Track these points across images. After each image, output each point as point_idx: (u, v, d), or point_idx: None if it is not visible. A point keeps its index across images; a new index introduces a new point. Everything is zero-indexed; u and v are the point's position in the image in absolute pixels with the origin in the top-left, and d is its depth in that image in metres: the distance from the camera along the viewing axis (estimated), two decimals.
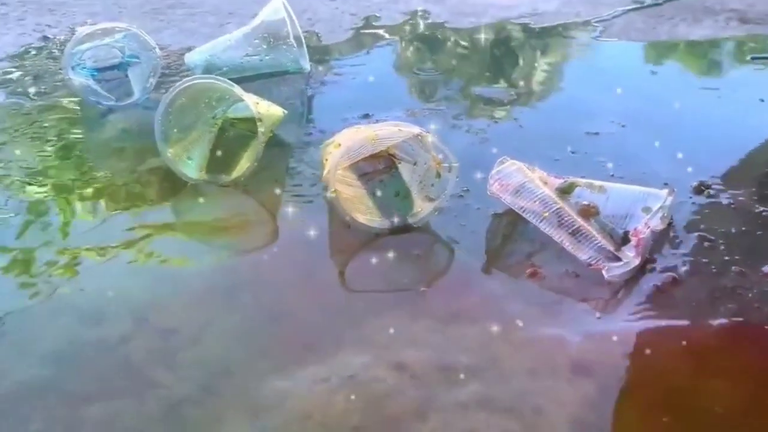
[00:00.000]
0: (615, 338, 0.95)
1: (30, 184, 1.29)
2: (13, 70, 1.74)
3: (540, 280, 1.06)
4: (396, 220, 1.16)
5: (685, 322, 0.98)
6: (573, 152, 1.37)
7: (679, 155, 1.35)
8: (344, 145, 1.15)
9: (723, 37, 1.92)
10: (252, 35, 1.61)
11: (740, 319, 0.98)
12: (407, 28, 2.00)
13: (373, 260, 1.11)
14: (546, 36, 1.96)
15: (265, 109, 1.28)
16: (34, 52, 1.84)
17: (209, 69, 1.58)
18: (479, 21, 2.03)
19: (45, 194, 1.26)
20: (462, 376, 0.89)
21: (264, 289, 1.06)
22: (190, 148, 1.29)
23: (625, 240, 1.09)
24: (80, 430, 0.83)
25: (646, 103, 1.58)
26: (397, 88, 1.72)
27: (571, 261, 1.07)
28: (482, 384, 0.88)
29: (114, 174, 1.31)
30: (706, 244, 1.12)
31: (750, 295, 1.01)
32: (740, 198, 1.23)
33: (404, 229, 1.16)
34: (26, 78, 1.69)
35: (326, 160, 1.20)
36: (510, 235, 1.15)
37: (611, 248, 1.08)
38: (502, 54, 1.90)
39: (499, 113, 1.55)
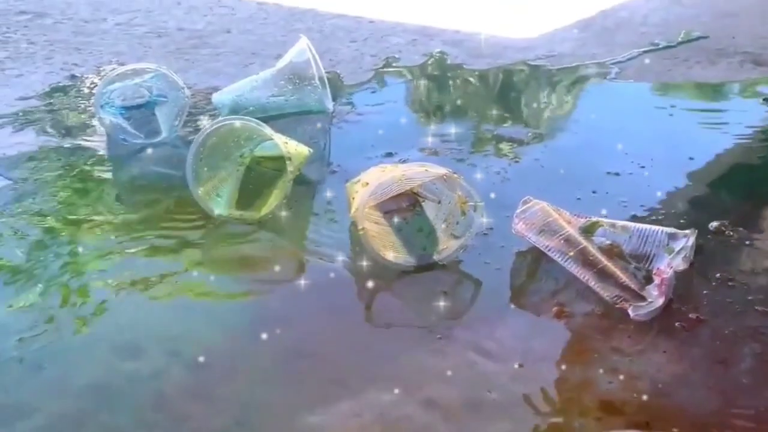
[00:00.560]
0: (642, 377, 0.96)
1: (59, 220, 1.32)
2: (42, 108, 1.78)
3: (566, 318, 1.07)
4: (422, 257, 1.18)
5: (709, 362, 0.99)
6: (594, 192, 1.39)
7: (699, 195, 1.38)
8: (372, 184, 1.17)
9: (736, 80, 1.95)
10: (278, 76, 1.65)
11: (765, 358, 0.99)
12: (426, 69, 2.03)
13: (400, 296, 1.13)
14: (563, 77, 1.99)
15: (293, 148, 1.32)
16: (62, 91, 1.88)
17: (236, 108, 1.62)
18: (496, 62, 2.06)
19: (75, 230, 1.29)
20: (491, 413, 0.90)
21: (293, 325, 1.07)
22: (219, 186, 1.32)
23: (648, 279, 1.11)
24: None
25: (664, 143, 1.60)
26: (418, 128, 1.75)
27: (596, 299, 1.09)
28: (511, 422, 0.89)
29: (143, 210, 1.34)
30: (728, 284, 1.13)
31: None
32: (760, 239, 1.25)
33: (430, 266, 1.18)
34: (54, 116, 1.73)
35: (353, 198, 1.23)
36: (534, 274, 1.17)
37: (635, 287, 1.09)
38: (520, 94, 1.94)
39: (519, 153, 1.58)
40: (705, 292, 1.12)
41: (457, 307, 1.11)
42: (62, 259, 1.21)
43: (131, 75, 1.62)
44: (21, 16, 2.42)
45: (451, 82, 1.99)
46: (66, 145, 1.59)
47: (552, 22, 2.35)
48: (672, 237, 1.15)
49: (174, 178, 1.41)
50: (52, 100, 1.82)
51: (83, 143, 1.60)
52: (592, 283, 1.10)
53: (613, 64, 2.05)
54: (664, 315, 1.06)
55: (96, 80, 1.92)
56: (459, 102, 1.88)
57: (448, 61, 2.07)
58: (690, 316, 1.07)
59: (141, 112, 1.68)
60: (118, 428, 0.89)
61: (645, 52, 2.13)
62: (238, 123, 1.30)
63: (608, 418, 0.90)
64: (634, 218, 1.28)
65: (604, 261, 1.12)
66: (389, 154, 1.53)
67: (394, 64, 2.04)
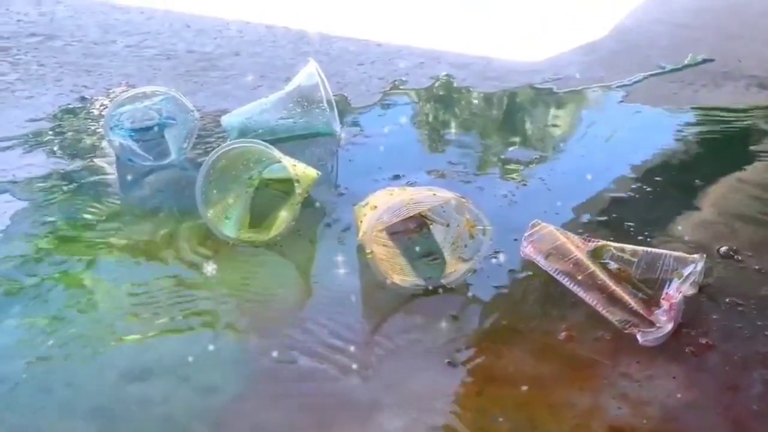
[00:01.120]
0: (651, 403, 0.96)
1: (67, 242, 1.32)
2: (52, 130, 1.79)
3: (574, 343, 1.07)
4: (430, 280, 1.18)
5: (719, 387, 0.99)
6: (601, 216, 1.39)
7: (707, 219, 1.38)
8: (380, 207, 1.18)
9: (742, 103, 1.96)
10: (286, 99, 1.66)
11: None
12: (433, 91, 2.04)
13: (408, 319, 1.13)
14: (569, 100, 2.00)
15: (301, 170, 1.32)
16: (71, 113, 1.89)
17: (245, 131, 1.63)
18: (502, 85, 2.07)
19: (82, 253, 1.30)
20: None
21: (300, 349, 1.07)
22: (228, 208, 1.32)
23: (657, 304, 1.11)
24: None
25: (671, 167, 1.61)
26: (425, 150, 1.76)
27: (604, 324, 1.09)
28: None
29: (150, 233, 1.35)
30: (738, 309, 1.13)
31: None
32: None
33: (438, 289, 1.18)
34: (64, 138, 1.74)
35: (361, 221, 1.23)
36: (543, 297, 1.17)
37: (644, 312, 1.09)
38: (526, 117, 1.94)
39: (526, 175, 1.58)
40: (714, 317, 1.12)
41: (465, 331, 1.11)
42: (68, 284, 1.21)
43: (141, 98, 1.63)
44: (31, 38, 2.44)
45: (457, 105, 2.00)
46: (75, 167, 1.59)
47: (558, 46, 2.36)
48: (681, 261, 1.15)
49: (181, 201, 1.42)
50: (61, 122, 1.83)
51: (93, 165, 1.61)
52: (601, 308, 1.10)
53: (619, 87, 2.06)
54: (674, 340, 1.06)
55: (105, 102, 1.94)
56: (466, 124, 1.88)
57: (455, 84, 2.08)
58: (699, 341, 1.07)
59: (150, 134, 1.69)
60: None
61: (651, 75, 2.14)
62: (247, 145, 1.31)
63: None
64: (642, 242, 1.28)
65: (613, 285, 1.12)
66: (396, 177, 1.54)
67: (401, 87, 2.05)
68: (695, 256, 1.15)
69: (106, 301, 1.17)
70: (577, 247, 1.19)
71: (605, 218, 1.39)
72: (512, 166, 1.62)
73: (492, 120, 1.92)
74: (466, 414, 0.95)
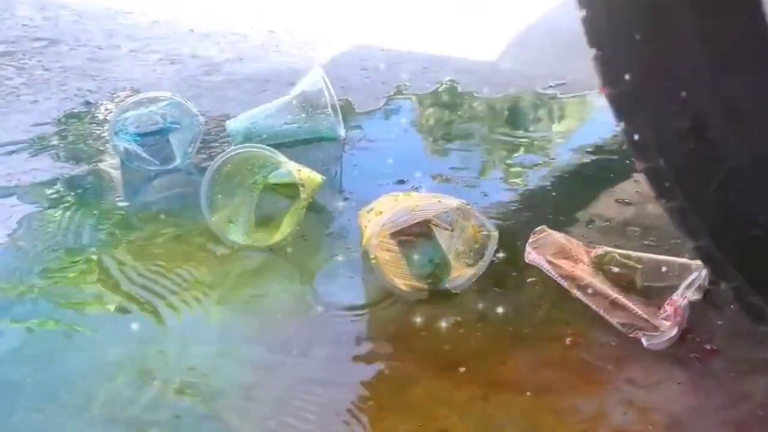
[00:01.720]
0: (656, 409, 0.96)
1: (74, 247, 1.33)
2: (57, 134, 1.79)
3: (579, 348, 1.07)
4: (435, 285, 1.18)
5: (724, 393, 0.99)
6: (606, 221, 1.39)
7: None
8: (385, 213, 1.18)
9: None
10: (291, 104, 1.67)
11: None
12: (437, 96, 2.05)
13: (412, 325, 1.13)
14: (574, 105, 2.01)
15: (306, 175, 1.33)
16: (76, 117, 1.90)
17: (249, 136, 1.63)
18: (506, 90, 2.08)
19: (90, 257, 1.30)
20: None
21: (306, 354, 1.08)
22: (233, 213, 1.33)
23: (661, 310, 1.11)
24: None
25: None
26: (429, 155, 1.76)
27: (609, 329, 1.09)
28: None
29: (155, 237, 1.35)
30: (744, 314, 1.13)
31: None
32: None
33: (442, 294, 1.18)
34: (69, 142, 1.75)
35: (365, 227, 1.24)
36: (547, 303, 1.17)
37: (648, 318, 1.09)
38: (530, 121, 1.94)
39: (530, 180, 1.58)
40: (719, 322, 1.12)
41: (469, 336, 1.11)
42: (77, 284, 1.21)
43: (146, 102, 1.63)
44: (36, 43, 2.45)
45: (461, 110, 2.00)
46: (80, 172, 1.60)
47: (562, 51, 2.36)
48: (685, 267, 1.15)
49: (185, 206, 1.43)
50: (66, 127, 1.84)
51: (97, 169, 1.62)
52: (604, 313, 1.10)
53: None
54: (678, 345, 1.06)
55: (110, 106, 1.94)
56: (470, 129, 1.88)
57: (459, 89, 2.08)
58: (704, 346, 1.06)
59: (155, 139, 1.69)
60: None
61: None
62: (252, 150, 1.31)
63: None
64: (647, 248, 1.28)
65: (617, 291, 1.12)
66: (401, 182, 1.54)
67: (404, 92, 2.06)
68: (699, 261, 1.15)
69: (108, 300, 1.17)
70: (582, 252, 1.19)
71: (610, 224, 1.39)
72: (517, 171, 1.62)
73: (496, 125, 1.92)
74: (471, 420, 0.95)
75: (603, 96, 0.91)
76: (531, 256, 1.19)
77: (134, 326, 1.12)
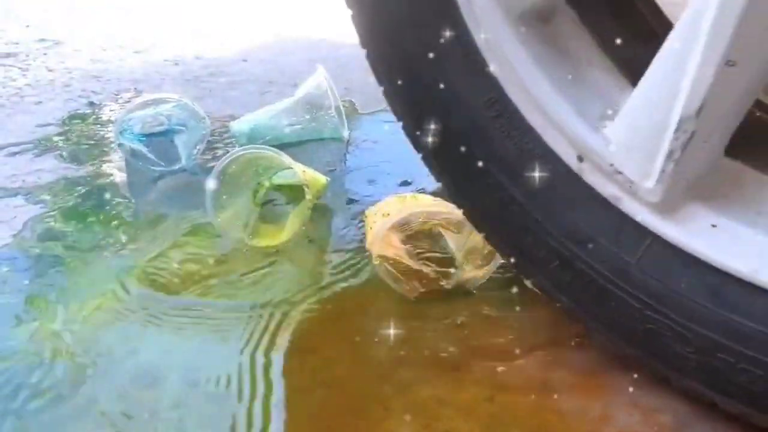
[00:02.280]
0: (663, 409, 0.96)
1: (74, 249, 1.33)
2: (61, 135, 1.80)
3: (584, 349, 1.07)
4: (443, 284, 1.18)
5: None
6: None
7: None
8: (391, 215, 1.18)
9: None
10: (295, 106, 1.67)
11: None
12: None
13: (417, 326, 1.13)
14: None
15: (311, 176, 1.33)
16: (80, 118, 1.90)
17: (253, 137, 1.64)
18: None
19: (93, 258, 1.30)
20: None
21: (310, 355, 1.08)
22: (238, 213, 1.33)
23: None
24: None
25: None
26: None
27: None
28: None
29: (160, 237, 1.35)
30: None
31: None
32: None
33: (447, 296, 1.18)
34: (73, 143, 1.75)
35: (370, 228, 1.24)
36: (553, 304, 1.17)
37: None
38: None
39: None
40: None
41: (473, 337, 1.11)
42: (80, 287, 1.22)
43: (152, 104, 1.64)
44: (40, 44, 2.46)
45: None
46: (85, 172, 1.60)
47: None
48: None
49: (190, 206, 1.43)
50: (70, 127, 1.84)
51: (102, 170, 1.62)
52: None
53: None
54: None
55: (114, 107, 1.95)
56: None
57: None
58: None
59: (159, 140, 1.70)
60: None
61: None
62: (257, 151, 1.31)
63: None
64: None
65: None
66: (405, 183, 1.54)
67: None
68: None
69: (113, 301, 1.18)
70: None
71: None
72: None
73: None
74: (476, 421, 0.95)
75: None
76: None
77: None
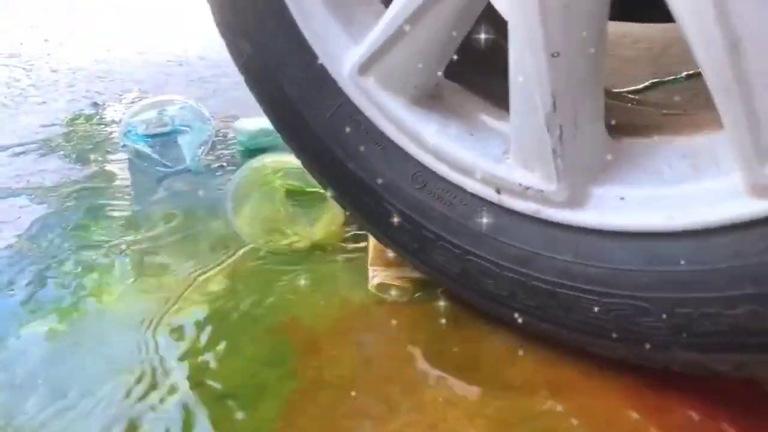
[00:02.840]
0: (670, 410, 0.96)
1: (83, 249, 1.33)
2: (65, 135, 1.80)
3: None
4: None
5: (740, 395, 0.99)
6: None
7: None
8: None
9: None
10: None
11: None
12: None
13: (424, 326, 1.13)
14: None
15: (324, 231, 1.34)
16: (84, 119, 1.90)
17: (256, 137, 1.64)
18: None
19: (102, 257, 1.30)
20: None
21: (315, 356, 1.07)
22: (254, 215, 1.33)
23: None
24: None
25: None
26: None
27: None
28: None
29: (165, 238, 1.35)
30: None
31: None
32: None
33: (451, 298, 1.18)
34: (77, 144, 1.75)
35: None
36: None
37: None
38: None
39: None
40: None
41: (479, 337, 1.11)
42: (91, 286, 1.22)
43: (158, 105, 1.64)
44: (44, 44, 2.46)
45: None
46: (89, 173, 1.60)
47: None
48: None
49: (196, 207, 1.43)
50: (74, 128, 1.84)
51: (106, 170, 1.62)
52: None
53: (630, 93, 2.06)
54: None
55: (118, 108, 1.95)
56: None
57: None
58: None
59: (164, 141, 1.70)
60: None
61: (664, 82, 2.14)
62: (275, 157, 1.32)
63: None
64: None
65: None
66: None
67: None
68: None
69: (117, 299, 1.18)
70: None
71: None
72: None
73: None
74: (482, 421, 0.94)
75: None
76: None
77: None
